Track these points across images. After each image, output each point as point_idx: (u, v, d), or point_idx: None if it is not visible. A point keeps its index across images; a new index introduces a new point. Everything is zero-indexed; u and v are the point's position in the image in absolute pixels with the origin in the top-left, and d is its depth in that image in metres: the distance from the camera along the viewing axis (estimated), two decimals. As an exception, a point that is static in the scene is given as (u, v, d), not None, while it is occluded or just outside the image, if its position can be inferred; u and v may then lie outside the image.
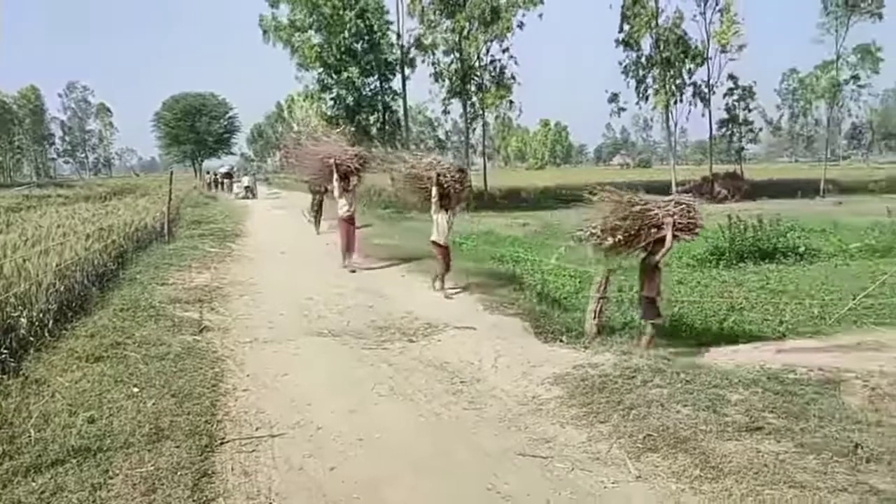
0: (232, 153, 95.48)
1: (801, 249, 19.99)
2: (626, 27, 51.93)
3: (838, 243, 21.70)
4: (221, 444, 5.68)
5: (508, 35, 46.01)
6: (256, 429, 6.08)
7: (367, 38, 42.68)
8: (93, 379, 7.00)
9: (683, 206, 9.12)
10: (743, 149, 61.24)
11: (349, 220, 14.75)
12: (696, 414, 6.06)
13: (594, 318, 10.74)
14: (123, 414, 6.09)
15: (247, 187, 40.99)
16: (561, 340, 9.95)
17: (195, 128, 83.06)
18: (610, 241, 9.32)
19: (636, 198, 9.32)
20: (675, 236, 8.98)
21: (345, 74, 41.83)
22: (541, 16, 46.37)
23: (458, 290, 12.50)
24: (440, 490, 5.05)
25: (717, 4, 51.28)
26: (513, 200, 49.09)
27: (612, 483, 5.05)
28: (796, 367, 9.11)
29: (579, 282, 15.22)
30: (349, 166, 14.50)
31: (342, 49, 41.13)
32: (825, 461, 5.04)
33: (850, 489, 4.57)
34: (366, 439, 5.88)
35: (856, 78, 56.13)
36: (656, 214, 9.04)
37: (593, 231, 9.49)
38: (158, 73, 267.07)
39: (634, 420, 6.05)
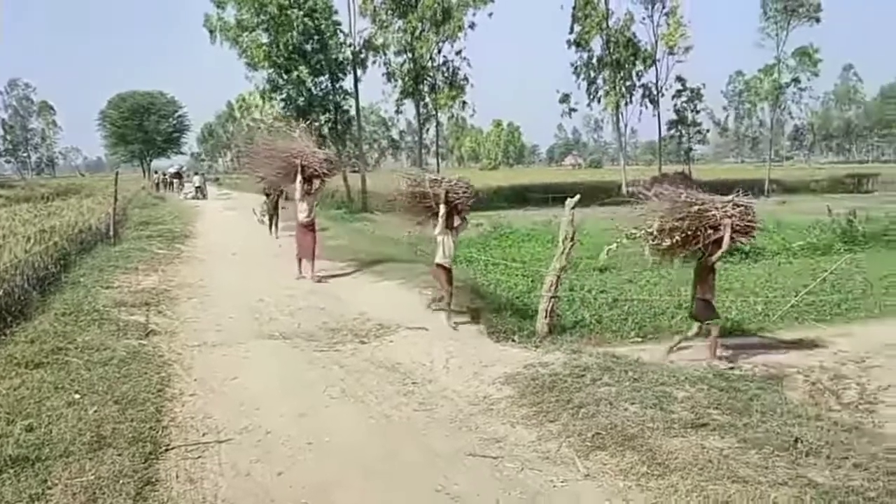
0: (182, 153, 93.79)
1: (747, 248, 20.44)
2: (577, 28, 52.68)
3: (782, 242, 22.26)
4: (166, 450, 5.55)
5: (460, 35, 46.21)
6: (203, 434, 5.97)
7: (316, 37, 42.28)
8: (32, 386, 6.77)
9: (742, 207, 9.03)
10: (691, 149, 62.43)
11: (309, 227, 13.85)
12: (644, 411, 6.16)
13: (546, 317, 10.84)
14: (64, 422, 5.90)
15: (197, 187, 40.27)
16: (513, 340, 10.02)
17: (143, 127, 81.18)
18: (668, 242, 9.13)
19: (694, 197, 9.16)
20: (731, 238, 8.84)
21: (294, 74, 41.33)
22: (491, 15, 46.72)
23: (466, 320, 10.96)
24: (389, 493, 5.03)
25: (664, 7, 52.32)
26: (466, 200, 49.12)
27: (562, 482, 5.10)
28: (741, 364, 9.38)
29: (531, 281, 15.34)
30: (316, 170, 13.61)
31: (290, 48, 40.64)
32: (766, 456, 5.17)
33: (789, 483, 4.69)
34: (315, 443, 5.83)
35: (796, 81, 57.77)
36: (714, 215, 8.91)
37: (650, 231, 9.25)
38: (104, 71, 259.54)
39: (583, 418, 6.12)
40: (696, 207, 8.94)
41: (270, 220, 21.04)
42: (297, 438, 5.89)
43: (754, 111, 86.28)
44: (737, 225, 8.85)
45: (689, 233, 8.97)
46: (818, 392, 8.47)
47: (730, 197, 9.23)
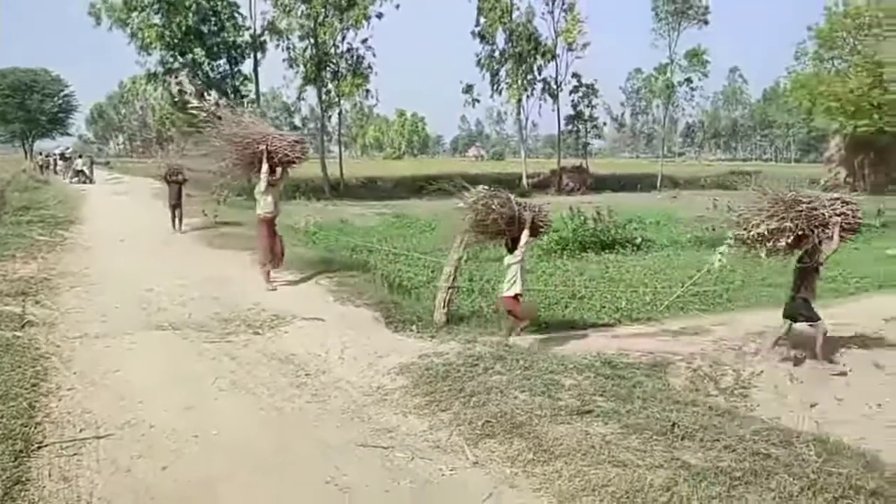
0: (69, 134, 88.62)
1: (638, 240, 21.28)
2: (482, 20, 53.11)
3: (671, 235, 23.28)
4: (39, 448, 5.26)
5: (365, 23, 45.71)
6: (81, 430, 5.70)
7: (213, 19, 40.91)
8: None
9: (850, 205, 8.86)
10: (588, 144, 64.21)
11: (271, 222, 12.26)
12: (533, 399, 6.31)
13: (443, 307, 10.95)
14: (-76, 420, 5.52)
15: (79, 171, 37.99)
16: (411, 330, 10.06)
17: (25, 105, 76.18)
18: (783, 242, 8.90)
19: (802, 196, 8.92)
20: (840, 237, 8.67)
21: (189, 56, 39.91)
22: (398, 7, 46.45)
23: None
24: (278, 486, 4.96)
25: (563, 3, 53.50)
26: (370, 190, 48.98)
27: (450, 470, 5.16)
28: (629, 352, 9.76)
29: (432, 272, 15.44)
30: (287, 154, 12.02)
31: (184, 30, 39.13)
32: (646, 440, 5.40)
33: (665, 465, 4.92)
34: (202, 436, 5.67)
35: (688, 80, 60.39)
36: (823, 214, 8.70)
37: (759, 232, 8.97)
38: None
39: (474, 407, 6.21)
40: (804, 206, 8.77)
41: (173, 211, 18.70)
42: (182, 432, 5.71)
43: (649, 108, 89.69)
44: (845, 223, 8.72)
45: (801, 232, 8.76)
46: (699, 378, 8.92)
47: (836, 195, 9.09)
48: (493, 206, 9.61)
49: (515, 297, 9.65)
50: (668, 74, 59.98)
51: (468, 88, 56.03)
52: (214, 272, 12.78)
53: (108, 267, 12.93)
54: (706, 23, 57.77)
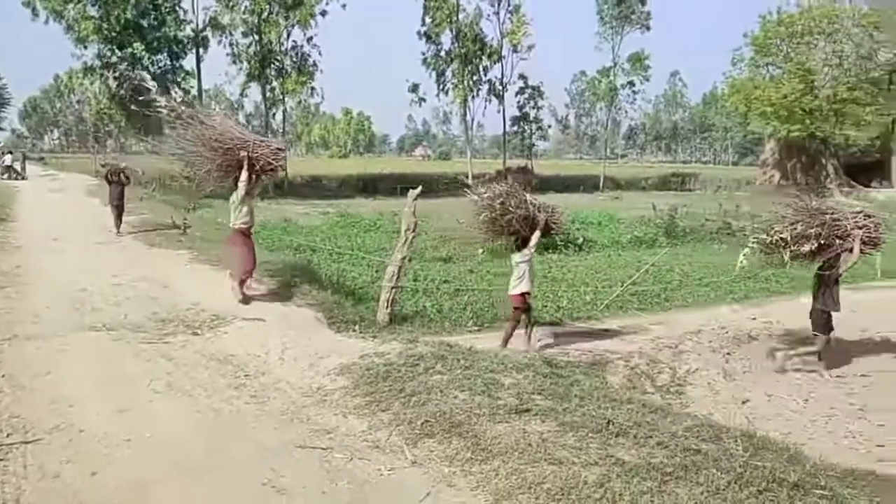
0: (1, 129, 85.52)
1: (580, 241, 21.62)
2: (428, 20, 53.21)
3: (612, 235, 23.73)
4: (-37, 454, 5.10)
5: (311, 22, 45.29)
6: (8, 435, 5.51)
7: (153, 13, 39.93)
8: None
9: (873, 219, 9.09)
10: (533, 145, 64.91)
11: (247, 233, 11.25)
12: (472, 398, 6.36)
13: (387, 307, 10.94)
14: None
15: (8, 167, 36.58)
16: (353, 330, 10.01)
17: (-50, 98, 73.37)
18: (807, 247, 9.02)
19: (826, 206, 9.13)
20: (860, 249, 8.87)
21: (128, 50, 38.86)
22: (344, 6, 46.15)
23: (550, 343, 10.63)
24: (213, 489, 4.89)
25: (509, 5, 53.99)
26: (314, 188, 48.57)
27: (389, 470, 5.16)
28: (569, 351, 9.93)
29: (376, 271, 15.40)
30: (270, 162, 10.96)
31: (123, 23, 38.06)
32: (582, 438, 5.49)
33: (599, 462, 5.02)
34: (135, 440, 5.54)
35: (630, 84, 61.63)
36: (845, 226, 8.89)
37: (783, 237, 9.10)
38: None
39: (414, 407, 6.22)
40: (828, 216, 8.95)
41: (115, 212, 17.46)
42: (114, 436, 5.57)
43: (593, 111, 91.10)
44: (865, 237, 8.93)
45: (824, 241, 8.96)
46: (636, 376, 9.15)
47: (859, 208, 9.46)
48: (510, 206, 9.71)
49: (523, 295, 9.83)
50: (611, 77, 61.08)
51: (414, 88, 56.15)
52: (152, 272, 12.48)
53: (41, 266, 12.51)
54: (648, 28, 59.11)
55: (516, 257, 9.88)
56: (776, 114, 51.35)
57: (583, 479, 4.76)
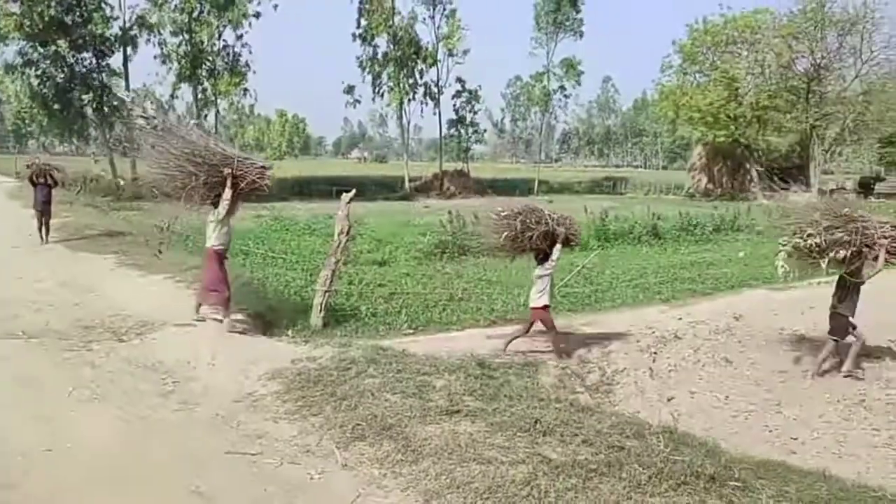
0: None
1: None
2: (364, 23, 53.03)
3: (546, 238, 24.08)
4: None
5: (244, 22, 44.53)
6: (-81, 448, 5.31)
7: (77, 9, 38.59)
8: None
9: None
10: (470, 149, 65.32)
11: (223, 255, 10.29)
12: (404, 401, 6.42)
13: (320, 311, 10.89)
14: None
15: None
16: (286, 335, 9.93)
17: None
18: (842, 254, 8.87)
19: (857, 214, 9.09)
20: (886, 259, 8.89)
21: (52, 48, 37.48)
22: (276, 7, 45.52)
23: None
24: (138, 497, 4.81)
25: (444, 9, 54.28)
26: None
27: (319, 474, 5.17)
28: (502, 352, 10.05)
29: (310, 275, 15.27)
30: (256, 181, 10.19)
31: (46, 19, 36.65)
32: (510, 437, 5.61)
33: (527, 461, 5.14)
34: (55, 450, 5.39)
35: (563, 88, 62.61)
36: (872, 234, 8.87)
37: (817, 243, 8.98)
38: None
39: (346, 410, 6.25)
40: (859, 224, 8.95)
41: (39, 219, 16.60)
42: (33, 447, 5.41)
43: (528, 115, 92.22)
44: (891, 246, 8.97)
45: (856, 248, 8.90)
46: (567, 376, 9.33)
47: (886, 219, 9.39)
48: (531, 224, 9.77)
49: (544, 307, 9.84)
50: (545, 82, 61.97)
51: (349, 90, 55.75)
52: (76, 277, 12.13)
53: (-45, 272, 12.03)
54: (581, 35, 60.24)
55: (538, 271, 9.96)
56: (703, 120, 53.22)
57: (510, 477, 4.87)
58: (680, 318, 12.68)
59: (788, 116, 50.42)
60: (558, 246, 9.84)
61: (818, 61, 49.12)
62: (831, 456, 6.64)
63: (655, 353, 10.56)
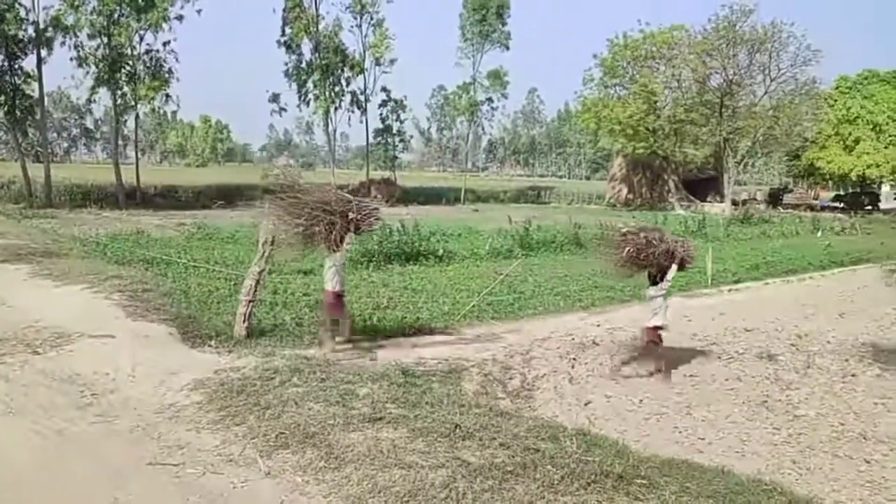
0: None
1: (441, 252, 22.11)
2: (287, 30, 52.60)
3: (471, 247, 24.42)
4: None
5: (165, 26, 43.43)
6: None
7: (-12, 10, 37.03)
8: None
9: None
10: (396, 157, 65.44)
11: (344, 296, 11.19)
12: (327, 409, 6.52)
13: (244, 321, 10.81)
14: None
15: None
16: (209, 345, 9.85)
17: None
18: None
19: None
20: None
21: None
22: (199, 11, 44.64)
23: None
24: (55, 512, 4.77)
25: (371, 18, 54.38)
26: (169, 199, 46.60)
27: (242, 483, 5.22)
28: (427, 360, 10.22)
29: (233, 285, 15.09)
30: (371, 224, 11.10)
31: (-47, 20, 35.08)
32: (431, 442, 5.79)
33: (446, 465, 5.32)
34: (-34, 466, 5.28)
35: (489, 100, 63.50)
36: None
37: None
38: None
39: (269, 419, 6.30)
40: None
41: None
42: (-58, 463, 5.29)
43: (454, 124, 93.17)
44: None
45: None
46: (489, 382, 9.57)
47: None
48: (654, 240, 9.97)
49: (656, 328, 10.01)
50: (472, 93, 62.71)
51: (274, 97, 55.16)
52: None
53: None
54: (507, 48, 61.28)
55: (651, 291, 10.15)
56: (623, 132, 54.99)
57: (430, 481, 5.04)
58: (598, 325, 13.14)
59: (704, 129, 52.52)
60: (674, 267, 10.01)
61: (730, 77, 51.39)
62: (735, 454, 7.08)
63: (575, 358, 10.93)
